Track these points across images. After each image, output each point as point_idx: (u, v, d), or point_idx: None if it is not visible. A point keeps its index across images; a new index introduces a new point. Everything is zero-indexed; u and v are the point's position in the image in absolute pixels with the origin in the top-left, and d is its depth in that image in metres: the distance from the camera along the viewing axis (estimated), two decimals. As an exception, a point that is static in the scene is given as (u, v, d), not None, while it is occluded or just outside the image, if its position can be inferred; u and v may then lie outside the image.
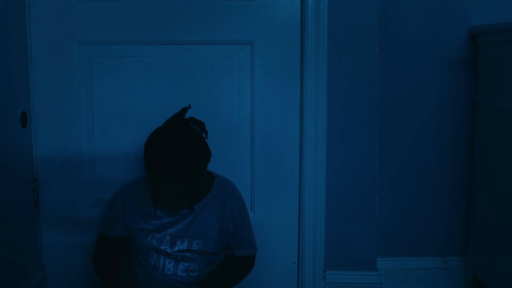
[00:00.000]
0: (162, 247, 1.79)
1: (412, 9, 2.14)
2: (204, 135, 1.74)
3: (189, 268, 1.81)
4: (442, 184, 2.22)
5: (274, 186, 2.06)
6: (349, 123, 2.03)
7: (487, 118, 2.07)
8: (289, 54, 2.01)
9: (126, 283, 1.93)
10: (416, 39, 2.15)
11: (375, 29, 1.99)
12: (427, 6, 2.13)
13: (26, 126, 1.97)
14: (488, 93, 2.06)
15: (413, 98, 2.18)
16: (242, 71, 2.02)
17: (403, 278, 2.24)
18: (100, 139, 2.04)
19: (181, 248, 1.79)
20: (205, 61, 2.01)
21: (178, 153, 1.63)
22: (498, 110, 1.96)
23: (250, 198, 2.05)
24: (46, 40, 1.99)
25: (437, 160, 2.20)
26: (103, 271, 1.86)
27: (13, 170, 1.90)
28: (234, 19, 1.99)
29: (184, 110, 1.75)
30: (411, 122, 2.19)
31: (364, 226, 2.07)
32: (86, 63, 2.01)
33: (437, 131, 2.19)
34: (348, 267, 2.10)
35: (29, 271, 2.00)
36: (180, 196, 1.69)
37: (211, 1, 1.98)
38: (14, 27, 1.91)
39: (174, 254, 1.79)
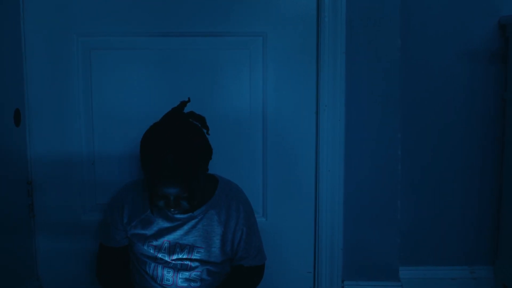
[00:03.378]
0: (159, 255, 1.73)
1: (436, -1, 2.11)
2: (205, 131, 1.69)
3: (190, 278, 1.75)
4: (469, 187, 2.17)
5: (288, 189, 2.03)
6: (369, 121, 1.99)
7: (520, 116, 2.02)
8: (304, 47, 1.97)
9: None
10: (441, 31, 2.10)
11: (397, 19, 1.95)
12: (452, -5, 2.11)
13: (20, 124, 1.94)
14: (520, 89, 2.01)
15: (438, 95, 2.12)
16: (253, 64, 1.98)
17: (428, 289, 2.22)
18: (100, 138, 2.01)
19: (180, 256, 1.73)
20: (213, 54, 1.98)
21: (178, 150, 1.57)
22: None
23: (262, 202, 2.02)
24: (41, 31, 1.96)
25: (464, 161, 2.15)
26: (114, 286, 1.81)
27: (5, 172, 1.87)
28: (244, 9, 1.95)
29: (183, 103, 1.69)
30: (436, 120, 2.14)
31: (386, 233, 2.04)
32: (85, 57, 1.98)
33: (464, 130, 2.14)
34: (368, 277, 2.06)
35: (23, 281, 1.97)
36: (179, 197, 1.62)
37: (219, -11, 1.96)
38: (6, 17, 1.88)
39: (173, 262, 1.74)
